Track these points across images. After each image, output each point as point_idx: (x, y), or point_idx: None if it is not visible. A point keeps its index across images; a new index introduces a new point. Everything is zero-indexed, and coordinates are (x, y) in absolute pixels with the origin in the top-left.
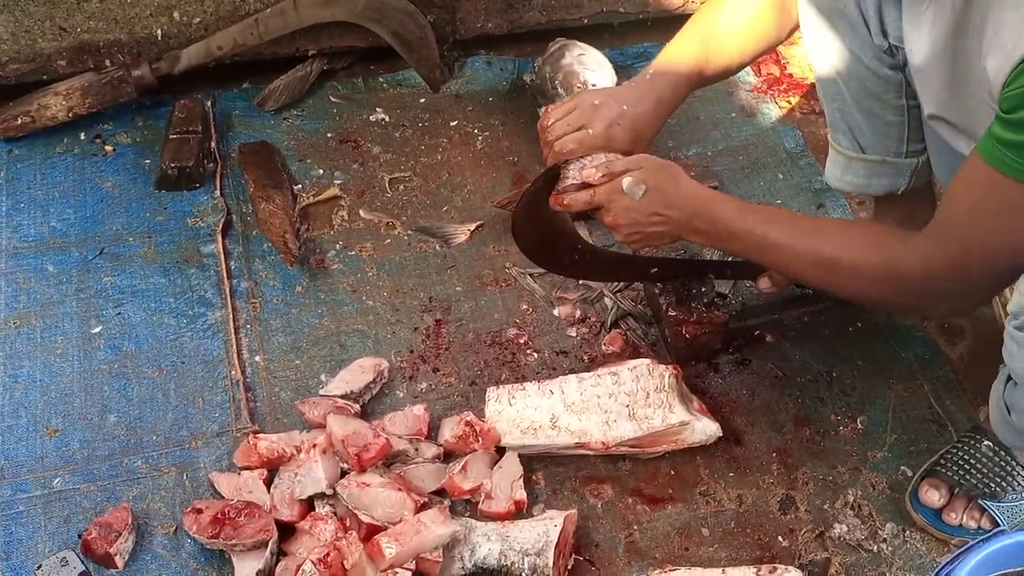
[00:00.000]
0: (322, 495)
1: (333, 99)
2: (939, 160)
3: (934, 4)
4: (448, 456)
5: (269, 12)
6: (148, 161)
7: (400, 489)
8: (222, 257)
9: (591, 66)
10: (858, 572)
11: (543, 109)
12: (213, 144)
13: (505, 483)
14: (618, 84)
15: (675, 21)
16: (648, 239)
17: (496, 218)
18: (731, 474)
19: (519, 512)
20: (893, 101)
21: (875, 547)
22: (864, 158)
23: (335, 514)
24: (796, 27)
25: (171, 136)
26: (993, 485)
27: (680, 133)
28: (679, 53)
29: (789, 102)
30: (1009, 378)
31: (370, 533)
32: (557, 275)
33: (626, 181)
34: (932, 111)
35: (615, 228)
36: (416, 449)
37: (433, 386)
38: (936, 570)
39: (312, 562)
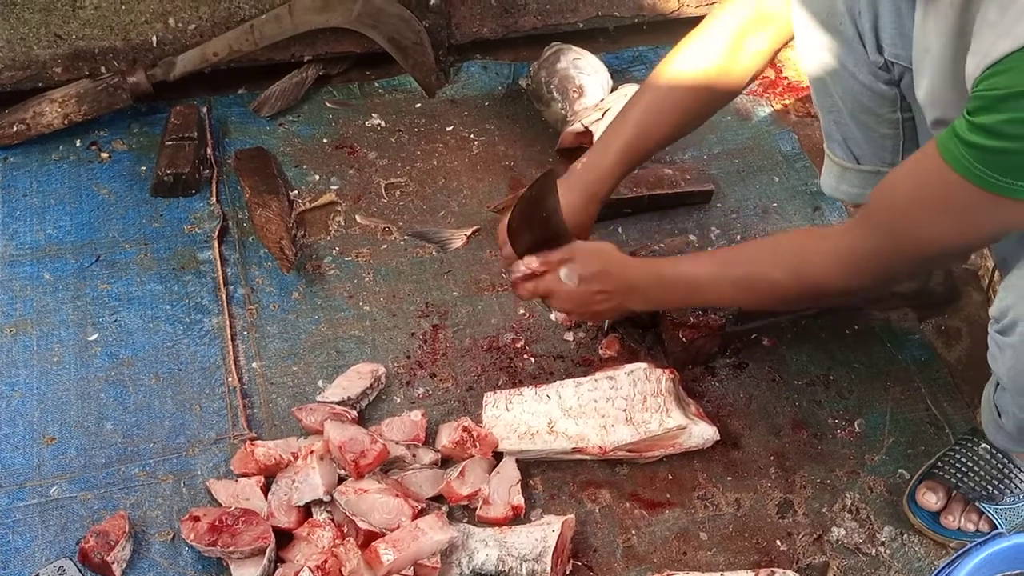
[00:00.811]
0: (320, 502)
1: (329, 105)
2: None
3: (939, 4)
4: (446, 462)
5: (264, 18)
6: (144, 168)
7: (398, 495)
8: (218, 264)
9: (586, 70)
10: (856, 575)
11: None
12: (209, 150)
13: (503, 488)
14: (613, 88)
15: (670, 25)
16: (598, 315)
17: (493, 223)
18: (729, 478)
19: (517, 517)
20: (888, 115)
21: (873, 550)
22: (859, 168)
23: (333, 521)
24: (755, 75)
25: (167, 143)
26: (991, 488)
27: None
28: (606, 144)
29: (785, 105)
30: (998, 381)
31: (368, 539)
32: None
33: (562, 272)
34: (937, 116)
35: (566, 312)
36: (413, 455)
37: (430, 391)
38: (934, 573)
39: (310, 569)
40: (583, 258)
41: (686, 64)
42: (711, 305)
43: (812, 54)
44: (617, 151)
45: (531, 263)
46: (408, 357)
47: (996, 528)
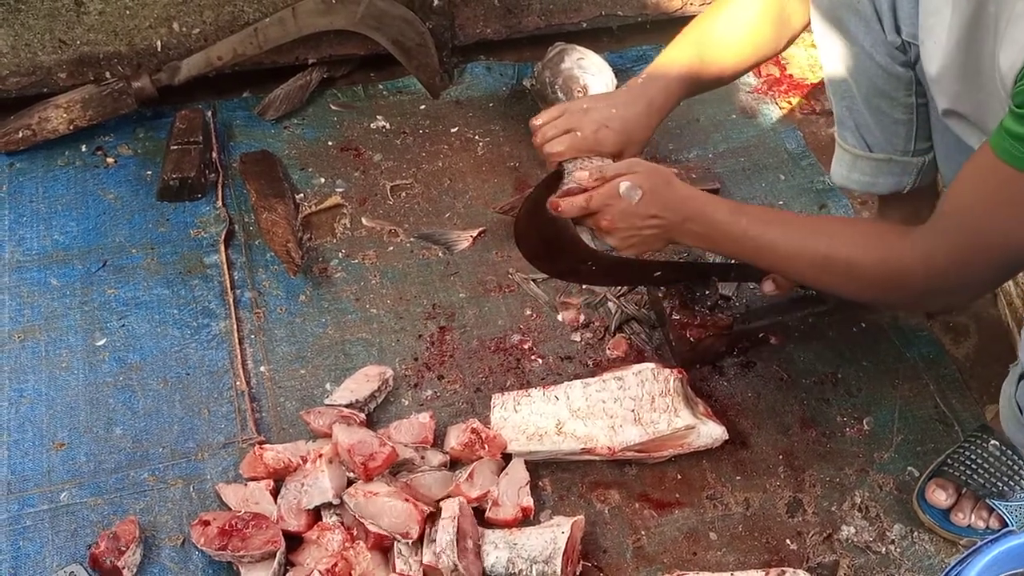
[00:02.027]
0: (329, 505)
1: (333, 107)
2: (948, 158)
3: None
4: (454, 464)
5: (268, 21)
6: (150, 172)
7: (407, 499)
8: (225, 267)
9: (591, 70)
10: (867, 574)
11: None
12: (214, 154)
13: (512, 490)
14: (617, 87)
15: (673, 24)
16: (644, 243)
17: (498, 224)
18: (738, 477)
19: (526, 519)
20: (903, 99)
21: (883, 549)
22: (871, 156)
23: (342, 524)
24: (794, 38)
25: (172, 147)
26: (1000, 484)
27: (681, 135)
28: (673, 58)
29: (790, 103)
30: (1021, 376)
31: (377, 542)
32: (560, 280)
33: (623, 185)
34: (946, 105)
35: (611, 232)
36: (422, 457)
37: (438, 393)
38: (945, 571)
39: (320, 572)
40: (646, 174)
41: (740, 10)
42: (768, 270)
43: (829, 35)
44: (679, 69)
45: (581, 174)
46: (416, 359)
47: (1007, 525)
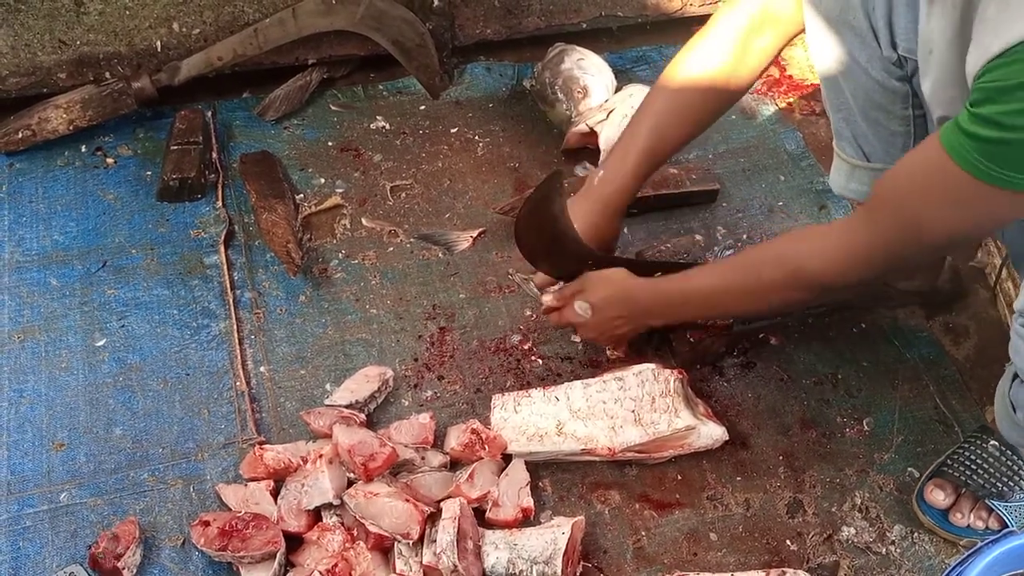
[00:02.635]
0: (329, 505)
1: (333, 108)
2: None
3: (943, 2)
4: (455, 464)
5: (268, 22)
6: (149, 173)
7: (407, 499)
8: (225, 268)
9: (590, 71)
10: (867, 575)
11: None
12: (214, 155)
13: (512, 490)
14: (617, 88)
15: (673, 24)
16: (620, 338)
17: (498, 224)
18: (738, 478)
19: (526, 519)
20: (899, 112)
21: (884, 549)
22: (868, 166)
23: (342, 524)
24: (763, 71)
25: (172, 147)
26: (1000, 485)
27: None
28: (627, 149)
29: (789, 104)
30: (1015, 376)
31: (378, 543)
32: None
33: (576, 305)
34: (942, 113)
35: (591, 340)
36: (422, 458)
37: (438, 394)
38: (946, 572)
39: (320, 573)
40: (592, 288)
41: (695, 66)
42: (726, 317)
43: (824, 50)
44: (634, 161)
45: (546, 299)
46: (416, 360)
47: (1006, 525)
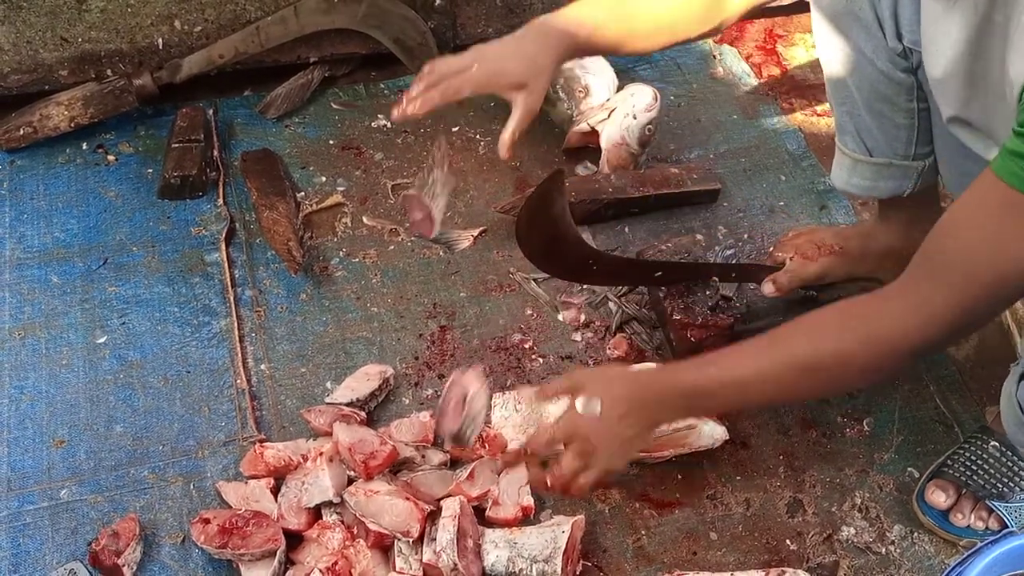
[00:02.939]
0: (329, 503)
1: (335, 106)
2: (950, 164)
3: (959, 3)
4: (455, 463)
5: (270, 20)
6: (151, 170)
7: (408, 497)
8: (226, 266)
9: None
10: (867, 575)
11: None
12: (215, 153)
13: (512, 489)
14: (619, 88)
15: None
16: (632, 445)
17: (499, 223)
18: (738, 478)
19: (526, 518)
20: (904, 104)
21: (883, 549)
22: (871, 161)
23: (343, 522)
24: (725, 24)
25: (173, 145)
26: (1000, 486)
27: (681, 136)
28: (587, 4)
29: (791, 104)
30: (1023, 376)
31: (378, 541)
32: (561, 280)
33: (579, 403)
34: (952, 113)
35: (597, 454)
36: (423, 456)
37: (439, 392)
38: (945, 572)
39: (320, 571)
40: (594, 382)
41: None
42: (765, 407)
43: (830, 41)
44: (588, 18)
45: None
46: (416, 358)
47: (1006, 526)
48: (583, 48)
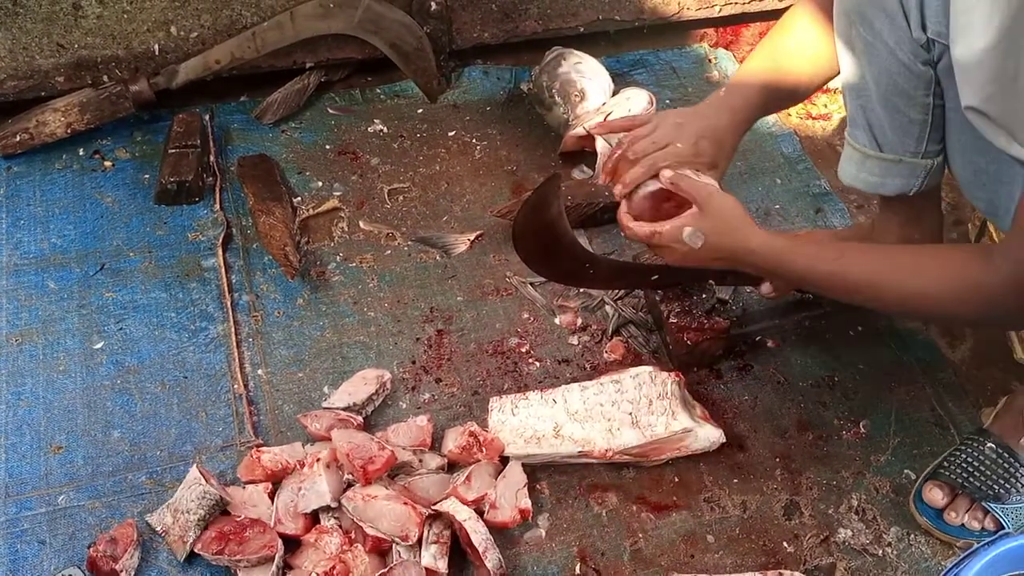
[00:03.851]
0: (327, 508)
1: (331, 111)
2: (962, 160)
3: None
4: (452, 467)
5: (266, 25)
6: (147, 176)
7: (406, 502)
8: (223, 271)
9: (588, 74)
10: None
11: (618, 138)
12: (212, 158)
13: (509, 492)
14: (614, 92)
15: (670, 28)
16: (706, 266)
17: (496, 227)
18: (735, 480)
19: (524, 521)
20: (921, 98)
21: (880, 551)
22: (881, 156)
23: (340, 527)
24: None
25: (170, 151)
26: (996, 487)
27: None
28: (751, 71)
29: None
30: None
31: (375, 545)
32: (558, 284)
33: (686, 231)
34: (973, 103)
35: (672, 262)
36: (420, 460)
37: (436, 396)
38: (942, 574)
39: (318, 575)
40: (712, 218)
41: (810, 25)
42: (857, 304)
43: (852, 30)
44: (758, 81)
45: (643, 229)
46: (413, 362)
47: (1002, 527)
48: (758, 113)
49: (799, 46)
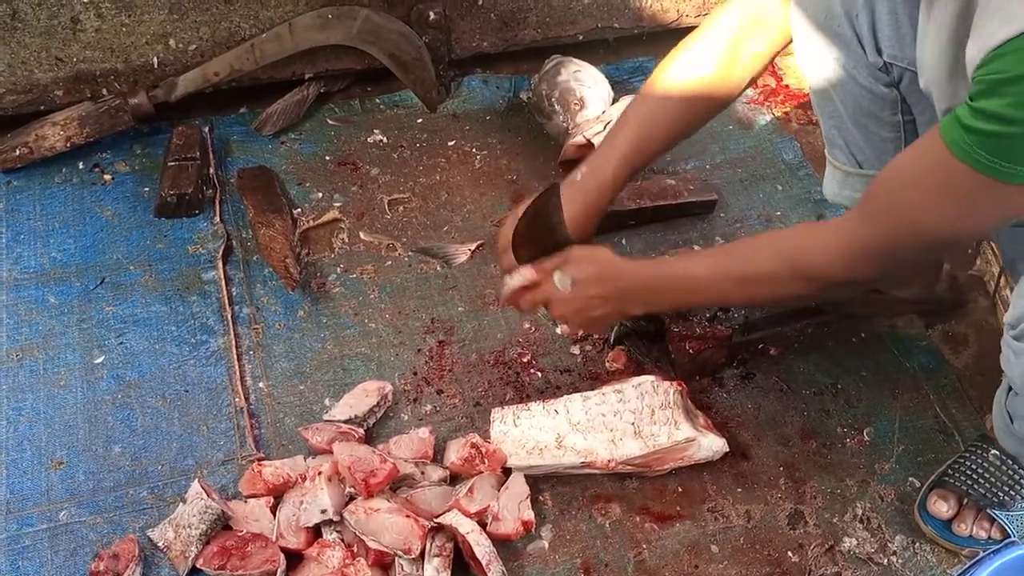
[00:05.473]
0: (329, 521)
1: (330, 122)
2: None
3: (936, 3)
4: (454, 478)
5: (265, 37)
6: (147, 189)
7: (408, 515)
8: (223, 283)
9: (587, 82)
10: None
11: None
12: (212, 170)
13: (512, 504)
14: (614, 100)
15: (669, 35)
16: (596, 321)
17: (497, 237)
18: (739, 490)
19: (527, 533)
20: (888, 118)
21: (885, 560)
22: (861, 173)
23: (343, 540)
24: (755, 77)
25: (169, 163)
26: (1002, 494)
27: (678, 147)
28: (611, 147)
29: (786, 113)
30: (1011, 388)
31: (378, 559)
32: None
33: (555, 277)
34: (946, 104)
35: (564, 320)
36: (422, 472)
37: (437, 408)
38: None
39: None
40: (576, 262)
41: (683, 70)
42: (711, 305)
43: (811, 58)
44: (617, 161)
45: (526, 272)
46: (415, 374)
47: (1008, 535)
48: (618, 189)
49: (668, 101)
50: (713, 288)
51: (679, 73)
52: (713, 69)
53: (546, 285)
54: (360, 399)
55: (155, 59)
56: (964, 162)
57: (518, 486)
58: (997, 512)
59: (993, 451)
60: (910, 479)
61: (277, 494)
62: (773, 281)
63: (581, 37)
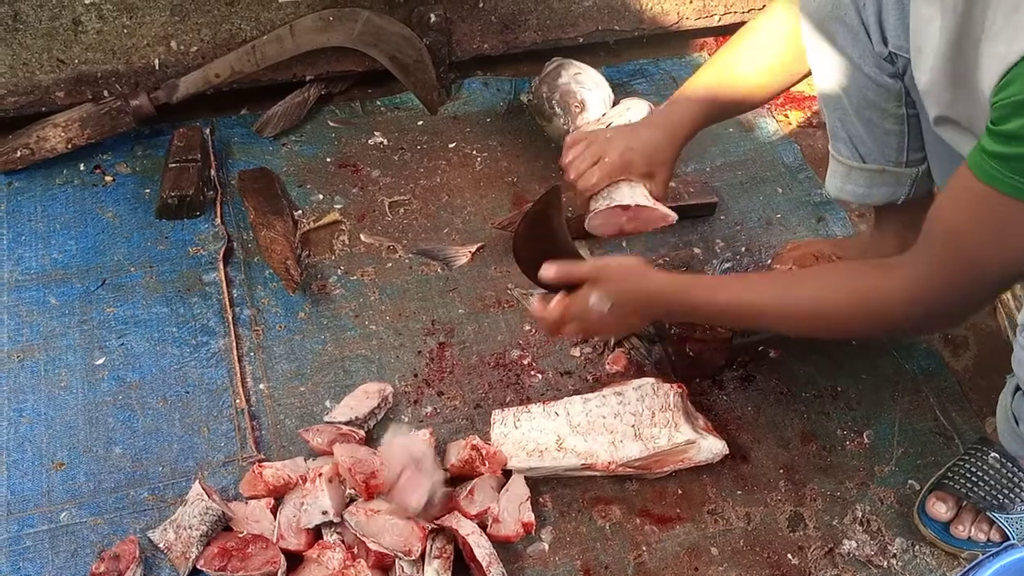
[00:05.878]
0: (329, 523)
1: (331, 124)
2: (941, 167)
3: (939, 1)
4: (455, 480)
5: (266, 39)
6: (148, 190)
7: (408, 517)
8: (224, 285)
9: (587, 85)
10: None
11: (562, 156)
12: (213, 172)
13: (512, 506)
14: (615, 102)
15: (670, 38)
16: (621, 331)
17: (497, 239)
18: (739, 492)
19: (528, 535)
20: (893, 110)
21: (885, 563)
22: (864, 167)
23: (343, 542)
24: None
25: (170, 165)
26: (1001, 497)
27: None
28: (696, 84)
29: (787, 116)
30: (1017, 388)
31: (378, 561)
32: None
33: (592, 298)
34: (938, 112)
35: (594, 333)
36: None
37: (438, 410)
38: None
39: None
40: (611, 279)
41: (768, 34)
42: (763, 331)
43: (818, 47)
44: (702, 95)
45: (553, 302)
46: (415, 375)
47: (1007, 538)
48: (700, 125)
49: (754, 55)
50: (774, 321)
51: (761, 38)
52: (790, 44)
53: (576, 307)
54: (361, 401)
55: (156, 61)
56: (993, 187)
57: (518, 488)
58: (996, 515)
59: (993, 454)
60: (910, 482)
61: (278, 495)
62: (842, 319)
63: (582, 39)
